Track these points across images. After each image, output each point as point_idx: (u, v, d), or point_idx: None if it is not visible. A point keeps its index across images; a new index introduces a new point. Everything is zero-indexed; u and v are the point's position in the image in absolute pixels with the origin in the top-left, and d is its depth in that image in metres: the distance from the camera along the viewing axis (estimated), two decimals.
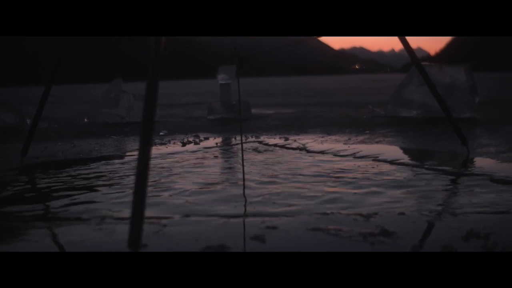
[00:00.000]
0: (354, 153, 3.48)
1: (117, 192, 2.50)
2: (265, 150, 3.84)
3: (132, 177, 1.70)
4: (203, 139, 4.63)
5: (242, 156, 2.85)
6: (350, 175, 2.76)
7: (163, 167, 3.18)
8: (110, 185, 2.69)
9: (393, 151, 3.61)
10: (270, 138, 4.54)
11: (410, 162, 3.13)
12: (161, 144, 4.37)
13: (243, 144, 4.22)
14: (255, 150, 3.87)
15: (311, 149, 3.76)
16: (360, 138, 4.36)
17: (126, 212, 1.99)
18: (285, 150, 3.84)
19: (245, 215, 2.01)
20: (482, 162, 3.03)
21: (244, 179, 2.63)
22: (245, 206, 2.18)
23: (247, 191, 2.45)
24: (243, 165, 2.73)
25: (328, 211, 2.00)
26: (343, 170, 2.91)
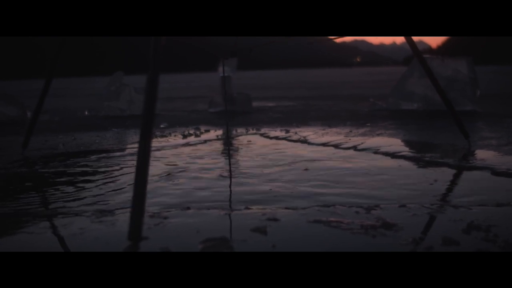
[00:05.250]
0: (355, 146, 3.48)
1: (117, 185, 2.50)
2: (266, 143, 3.84)
3: (133, 170, 1.70)
4: (204, 131, 4.63)
5: (229, 152, 2.85)
6: (351, 168, 2.76)
7: (163, 160, 3.18)
8: (110, 178, 2.69)
9: (394, 144, 3.60)
10: (271, 130, 4.54)
11: (411, 155, 3.13)
12: (162, 136, 4.37)
13: (245, 136, 4.22)
14: (257, 142, 3.87)
15: (312, 142, 3.76)
16: (361, 130, 4.36)
17: (127, 205, 1.99)
18: (286, 142, 3.83)
19: (246, 207, 2.00)
20: (483, 155, 3.03)
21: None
22: (243, 198, 2.18)
23: (248, 183, 2.45)
24: (228, 158, 2.73)
25: (329, 204, 2.00)
26: (344, 163, 2.91)
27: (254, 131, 4.53)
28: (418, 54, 3.29)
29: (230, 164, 2.69)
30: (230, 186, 2.38)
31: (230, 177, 2.44)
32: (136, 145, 2.95)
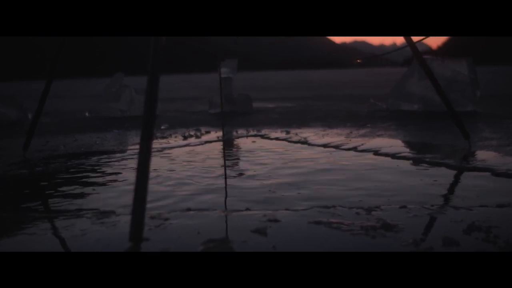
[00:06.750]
0: (355, 147, 3.48)
1: (118, 186, 2.50)
2: (267, 144, 3.84)
3: (134, 171, 1.71)
4: (204, 132, 4.63)
5: (224, 153, 2.85)
6: (351, 169, 2.77)
7: (164, 161, 3.18)
8: (111, 179, 2.69)
9: (395, 145, 3.60)
10: (271, 131, 4.54)
11: (412, 155, 3.13)
12: (163, 138, 4.37)
13: (246, 138, 4.22)
14: (257, 144, 3.88)
15: (313, 143, 3.76)
16: (361, 131, 4.36)
17: (128, 206, 1.99)
18: (286, 143, 3.83)
19: (247, 208, 2.01)
20: (483, 156, 3.03)
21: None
22: (244, 199, 2.18)
23: (249, 184, 2.45)
24: (223, 159, 2.73)
25: (330, 205, 2.00)
26: (344, 164, 2.91)
27: (255, 132, 4.53)
28: (418, 55, 3.29)
29: (225, 166, 2.69)
30: (225, 188, 2.39)
31: (225, 179, 2.44)
32: (137, 146, 2.95)
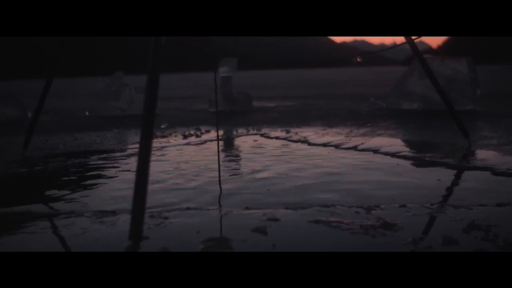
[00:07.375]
0: (356, 146, 3.48)
1: (118, 185, 2.51)
2: (267, 143, 3.84)
3: (133, 170, 1.71)
4: (204, 131, 4.63)
5: (218, 151, 2.85)
6: (351, 168, 2.77)
7: (164, 160, 3.18)
8: (111, 178, 2.70)
9: (395, 144, 3.60)
10: (271, 130, 4.54)
11: (412, 154, 3.13)
12: (162, 136, 4.37)
13: (245, 136, 4.22)
14: (257, 143, 3.88)
15: (313, 142, 3.76)
16: (362, 130, 4.36)
17: (127, 205, 1.99)
18: (286, 142, 3.84)
19: (247, 207, 2.01)
20: (483, 155, 3.03)
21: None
22: (244, 198, 2.18)
23: (248, 183, 2.45)
24: (218, 155, 2.72)
25: (329, 204, 2.00)
26: (344, 163, 2.91)
27: (255, 131, 4.53)
28: (418, 54, 3.29)
29: (219, 165, 2.69)
30: (220, 185, 2.38)
31: (219, 177, 2.43)
32: (137, 145, 2.95)
